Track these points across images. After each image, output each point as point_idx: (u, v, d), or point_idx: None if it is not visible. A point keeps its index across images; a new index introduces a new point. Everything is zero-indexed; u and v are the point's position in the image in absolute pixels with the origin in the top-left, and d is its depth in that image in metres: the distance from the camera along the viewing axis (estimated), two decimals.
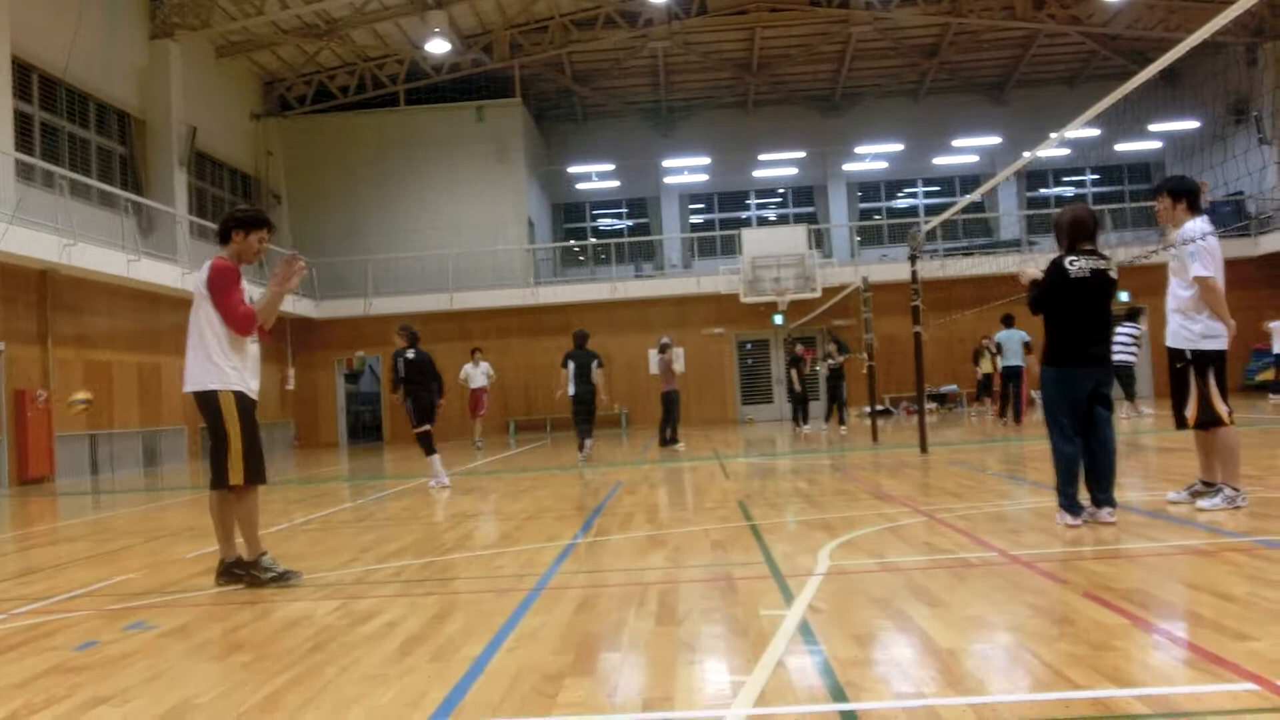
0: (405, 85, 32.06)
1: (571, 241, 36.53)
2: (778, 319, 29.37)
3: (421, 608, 5.15)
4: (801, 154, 36.03)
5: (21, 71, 19.96)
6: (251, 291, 6.25)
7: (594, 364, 16.73)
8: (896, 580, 5.19)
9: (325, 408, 31.03)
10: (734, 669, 3.76)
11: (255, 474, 6.09)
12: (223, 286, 5.97)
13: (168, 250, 23.15)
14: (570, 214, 37.60)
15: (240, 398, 6.04)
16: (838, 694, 3.33)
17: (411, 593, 5.70)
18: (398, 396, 12.93)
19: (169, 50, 24.69)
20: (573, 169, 36.56)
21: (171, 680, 3.98)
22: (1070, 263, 6.55)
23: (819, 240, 32.83)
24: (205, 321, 5.99)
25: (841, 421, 20.24)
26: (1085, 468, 6.61)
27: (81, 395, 9.17)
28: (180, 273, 22.05)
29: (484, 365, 22.74)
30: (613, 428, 29.48)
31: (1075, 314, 6.56)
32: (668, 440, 18.58)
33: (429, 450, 12.76)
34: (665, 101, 36.05)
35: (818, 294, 27.85)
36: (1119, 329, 19.13)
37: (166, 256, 22.71)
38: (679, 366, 19.34)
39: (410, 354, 12.76)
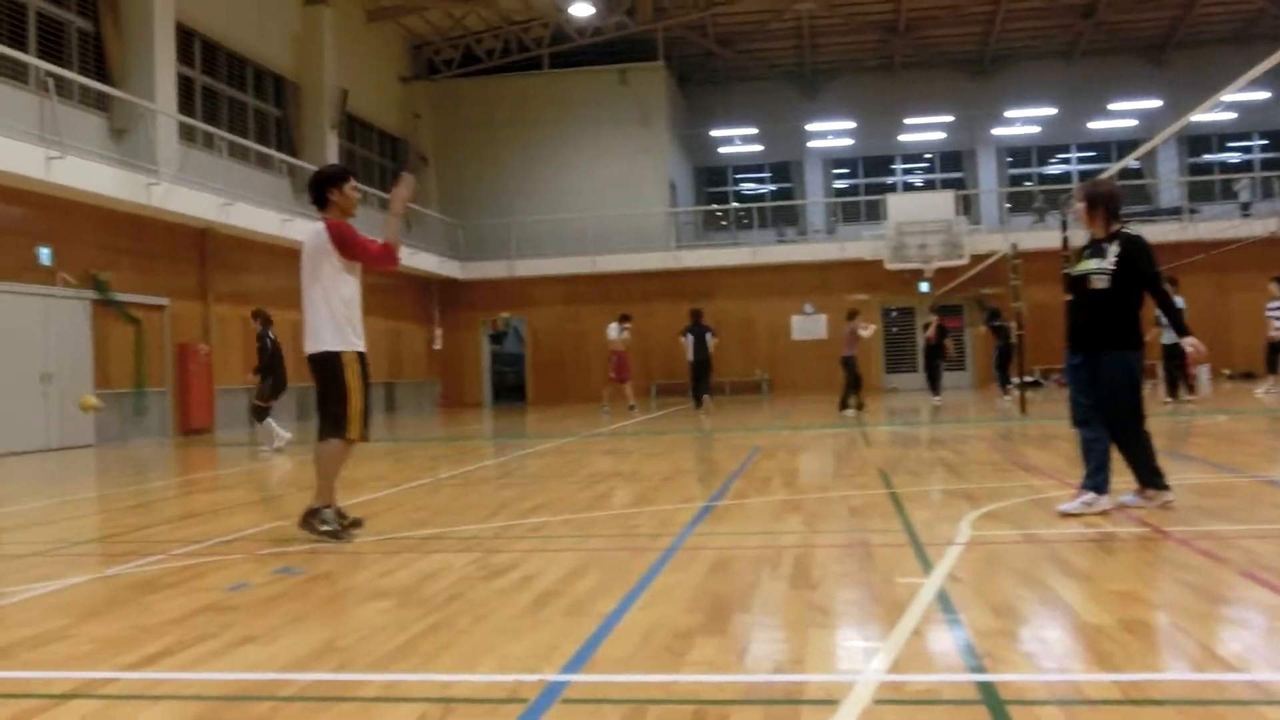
0: (549, 49, 32.28)
1: (713, 205, 36.35)
2: (923, 286, 28.70)
3: (557, 563, 5.20)
4: (949, 118, 34.97)
5: (184, 37, 20.79)
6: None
7: (708, 335, 20.36)
8: (1040, 552, 5.00)
9: (470, 368, 31.74)
10: (868, 635, 3.69)
11: (368, 430, 6.26)
12: (350, 238, 6.11)
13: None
14: (712, 178, 37.39)
15: (361, 358, 6.19)
16: (976, 665, 3.22)
17: (548, 548, 5.76)
18: (251, 374, 14.35)
19: (322, 15, 25.38)
20: (715, 132, 36.30)
21: (316, 623, 4.12)
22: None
23: (967, 206, 31.90)
24: (329, 283, 6.08)
25: (1005, 392, 19.92)
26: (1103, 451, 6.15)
27: (93, 402, 12.05)
28: None
29: (626, 334, 22.86)
30: (753, 394, 29.36)
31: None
32: (859, 405, 18.68)
33: (263, 418, 14.18)
34: (809, 64, 35.40)
35: (965, 261, 27.09)
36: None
37: (318, 216, 23.43)
38: (865, 333, 19.31)
39: (272, 335, 14.06)
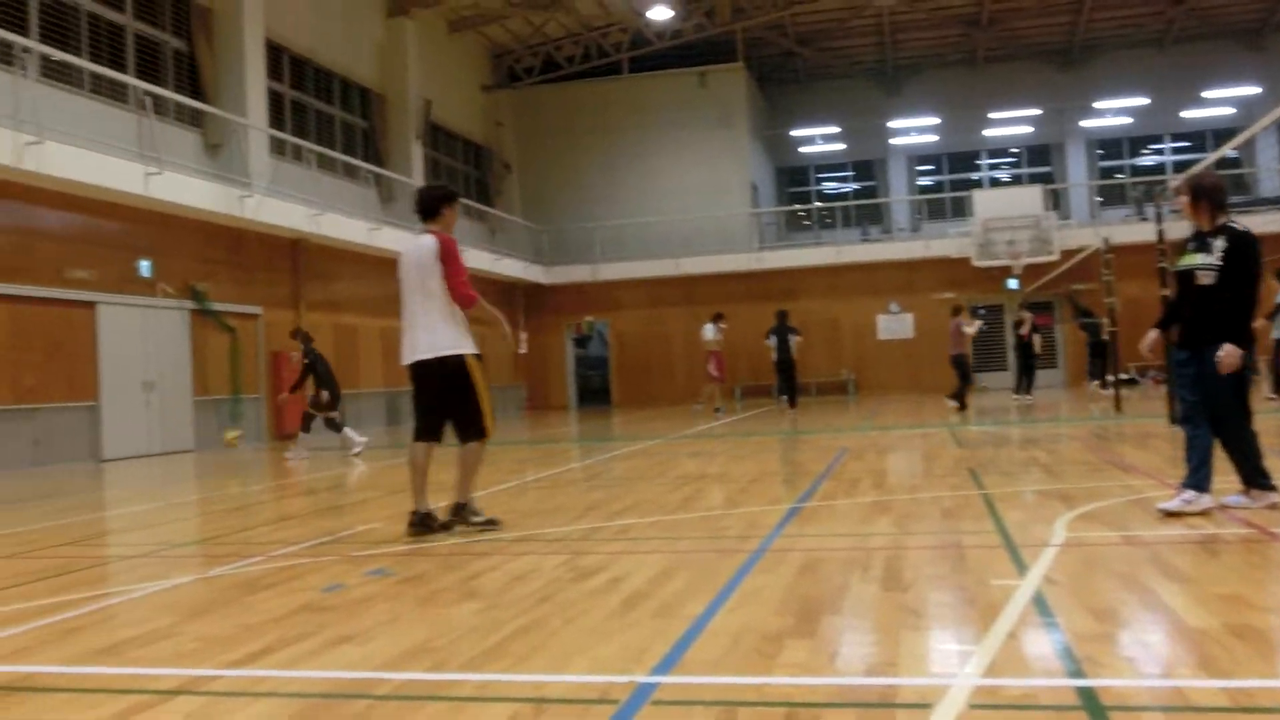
0: (629, 53, 32.42)
1: (796, 206, 36.15)
2: (1012, 283, 28.17)
3: (646, 565, 5.21)
4: (1036, 111, 34.31)
5: (274, 53, 21.33)
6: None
7: (790, 336, 20.69)
8: (1140, 554, 4.87)
9: (555, 371, 31.98)
10: (962, 638, 3.63)
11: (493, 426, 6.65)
12: (455, 257, 6.38)
13: (406, 219, 24.32)
14: (794, 178, 37.20)
15: (479, 359, 6.48)
16: (1075, 670, 3.15)
17: (636, 550, 5.78)
18: (302, 389, 14.89)
19: (405, 27, 25.83)
20: (796, 132, 36.09)
21: (409, 623, 4.18)
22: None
23: (1056, 201, 31.25)
24: (440, 290, 6.35)
25: (1104, 387, 19.66)
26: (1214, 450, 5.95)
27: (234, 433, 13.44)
28: None
29: (710, 329, 22.65)
30: (839, 394, 29.12)
31: None
32: (961, 405, 18.45)
33: (341, 428, 15.06)
34: (891, 61, 35.02)
35: (1055, 257, 26.54)
36: None
37: (405, 225, 23.86)
38: (969, 330, 19.00)
39: (316, 351, 14.83)
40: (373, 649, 3.78)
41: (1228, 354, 5.73)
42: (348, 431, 15.00)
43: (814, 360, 28.44)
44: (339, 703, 3.19)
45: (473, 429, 6.47)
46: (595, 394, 32.99)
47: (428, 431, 6.56)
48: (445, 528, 6.50)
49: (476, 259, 26.62)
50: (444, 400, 6.47)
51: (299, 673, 3.52)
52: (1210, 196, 6.02)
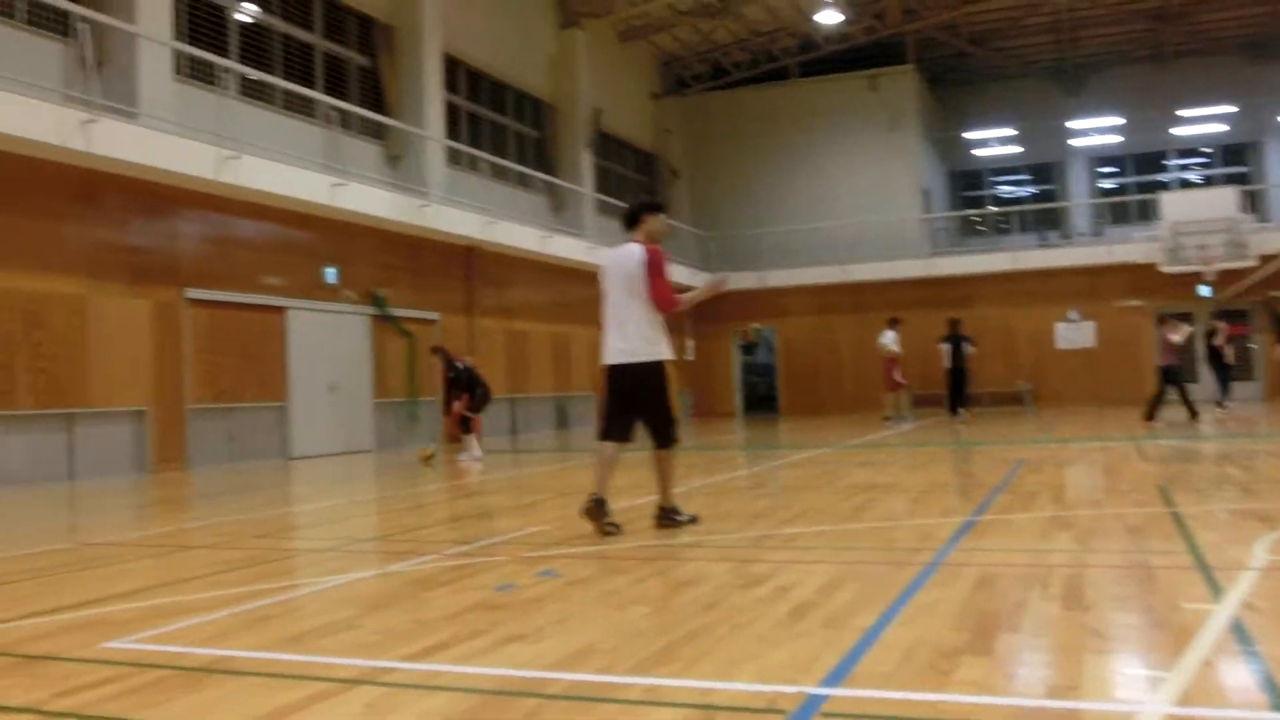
0: (797, 58, 32.18)
1: (969, 210, 35.16)
2: (1203, 290, 26.67)
3: (814, 574, 5.13)
4: (1230, 108, 32.41)
5: (451, 67, 22.04)
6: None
7: (964, 345, 21.32)
8: None
9: (721, 378, 31.94)
10: (1151, 663, 3.44)
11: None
12: (660, 267, 6.68)
13: (576, 227, 24.76)
14: (968, 181, 36.20)
15: (673, 367, 6.75)
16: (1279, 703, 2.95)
17: (804, 559, 5.71)
18: (455, 399, 15.16)
19: (576, 38, 26.32)
20: (969, 134, 35.13)
21: (578, 625, 4.23)
22: None
23: (1253, 203, 29.44)
24: (643, 297, 6.63)
25: None
26: None
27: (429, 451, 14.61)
28: (587, 248, 23.49)
29: (890, 335, 22.40)
30: (1015, 406, 28.15)
31: None
32: (1151, 415, 17.67)
33: (470, 431, 15.08)
34: (1070, 59, 33.69)
35: (1252, 262, 25.01)
36: None
37: (575, 233, 24.30)
38: (1176, 338, 18.06)
39: (459, 364, 15.22)
40: (543, 648, 3.84)
41: None
42: (471, 439, 15.14)
43: (988, 370, 27.59)
44: (511, 700, 3.25)
45: (667, 435, 6.79)
46: (761, 401, 32.78)
47: (618, 432, 6.76)
48: (614, 528, 6.58)
49: None
50: (638, 404, 6.72)
51: (472, 668, 3.61)
52: None
